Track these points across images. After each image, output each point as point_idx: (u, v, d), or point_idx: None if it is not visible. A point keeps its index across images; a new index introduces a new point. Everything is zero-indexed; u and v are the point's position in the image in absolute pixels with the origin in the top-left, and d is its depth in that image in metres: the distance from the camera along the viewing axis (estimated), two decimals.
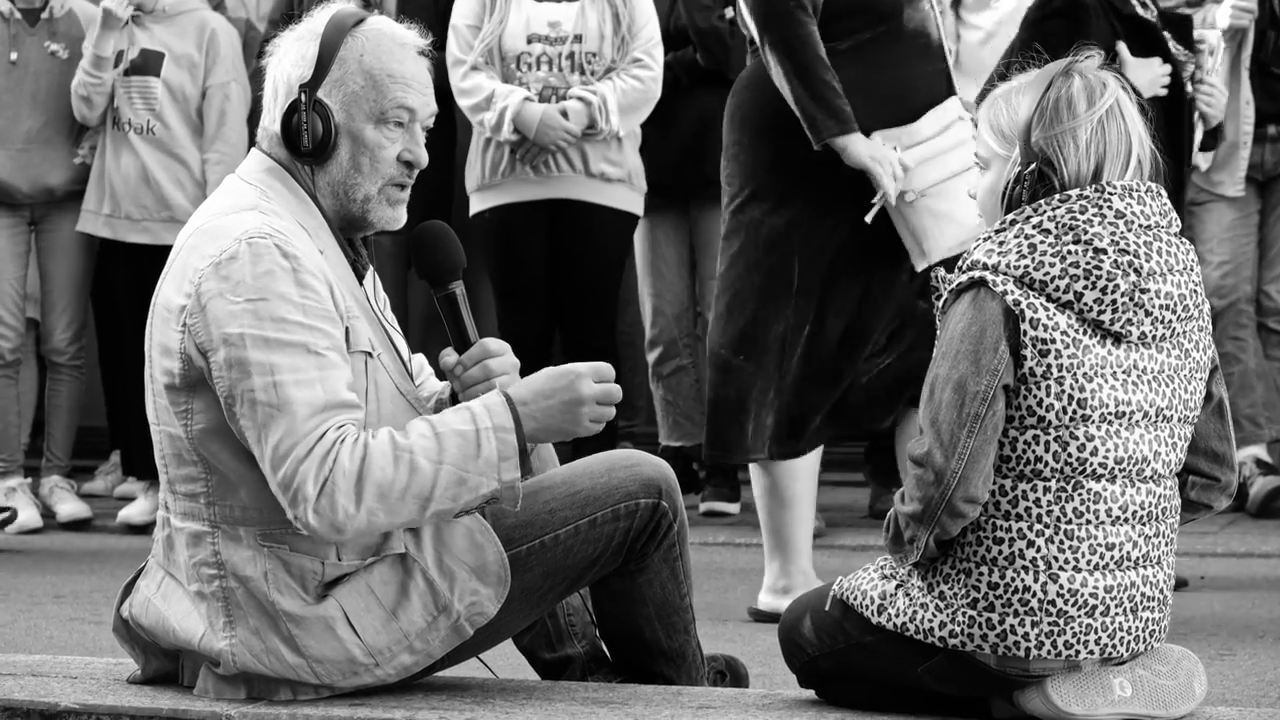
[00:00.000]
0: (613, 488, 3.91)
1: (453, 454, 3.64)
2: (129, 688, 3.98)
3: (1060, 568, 3.55)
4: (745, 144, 5.79)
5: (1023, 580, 3.55)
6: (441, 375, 4.01)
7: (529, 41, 7.20)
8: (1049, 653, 3.56)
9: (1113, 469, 3.57)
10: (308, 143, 3.79)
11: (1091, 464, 3.55)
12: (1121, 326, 3.55)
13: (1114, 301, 3.53)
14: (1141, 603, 3.62)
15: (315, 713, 3.75)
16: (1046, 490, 3.56)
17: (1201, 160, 7.51)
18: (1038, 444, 3.55)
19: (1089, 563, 3.56)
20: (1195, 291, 3.62)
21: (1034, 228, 3.56)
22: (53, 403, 8.10)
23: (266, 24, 7.99)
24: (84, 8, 7.95)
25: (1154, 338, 3.59)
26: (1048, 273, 3.53)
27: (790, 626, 3.86)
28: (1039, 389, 3.53)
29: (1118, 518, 3.58)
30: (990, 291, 3.54)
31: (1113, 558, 3.58)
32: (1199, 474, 3.74)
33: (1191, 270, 3.62)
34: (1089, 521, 3.56)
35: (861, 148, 5.60)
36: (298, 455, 3.59)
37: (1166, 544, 3.66)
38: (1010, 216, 3.60)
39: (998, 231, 3.60)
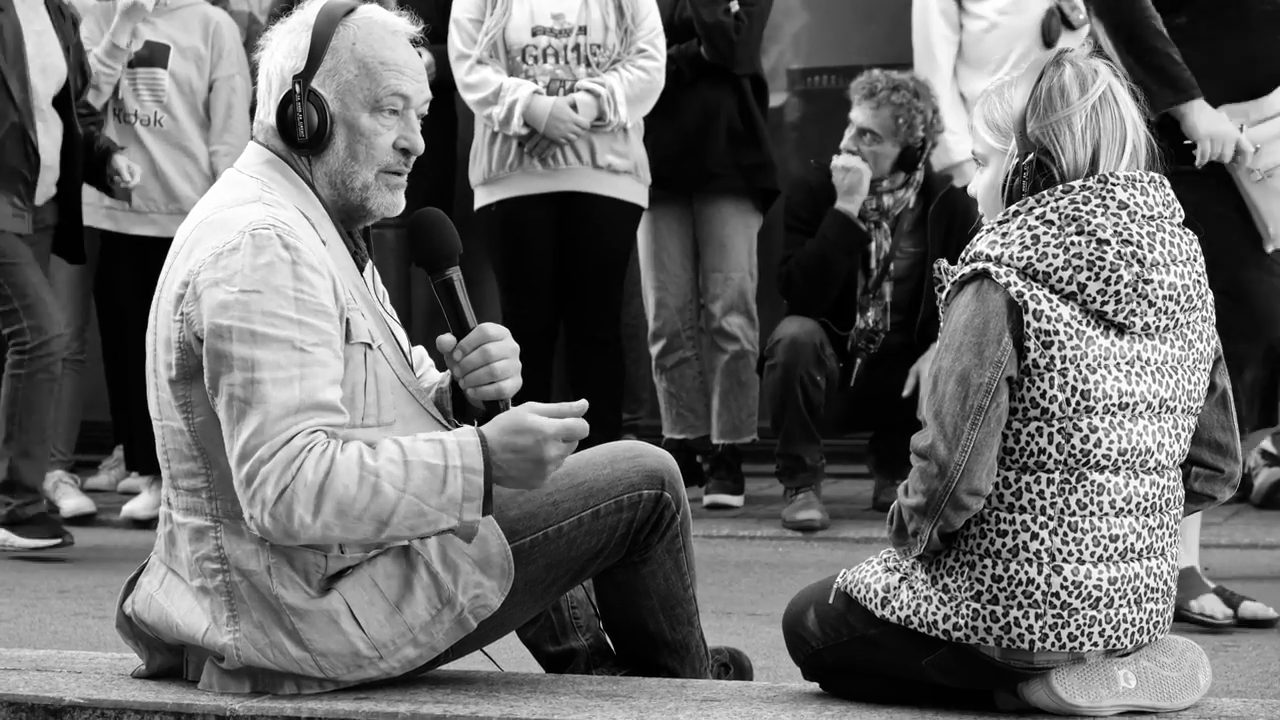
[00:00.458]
0: (616, 479, 3.91)
1: (417, 485, 3.61)
2: (133, 682, 3.98)
3: (1064, 560, 3.55)
4: None
5: (1026, 572, 3.55)
6: (441, 364, 4.01)
7: (534, 34, 7.20)
8: (1053, 645, 3.56)
9: (1116, 460, 3.56)
10: (304, 133, 3.79)
11: (1095, 455, 3.55)
12: (1125, 317, 3.55)
13: (1117, 292, 3.53)
14: (1145, 594, 3.61)
15: (320, 706, 3.75)
16: (1050, 482, 3.56)
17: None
18: (1041, 436, 3.55)
19: (1093, 554, 3.56)
20: (1199, 282, 3.62)
21: (1037, 219, 3.56)
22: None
23: (267, 17, 7.99)
24: (82, 1, 7.94)
25: (1157, 329, 3.58)
26: (1051, 264, 3.53)
27: (794, 619, 3.86)
28: (1042, 381, 3.53)
29: (1121, 509, 3.58)
30: (993, 283, 3.54)
31: (1116, 549, 3.57)
32: (1202, 465, 3.74)
33: (1195, 260, 3.62)
34: (1093, 513, 3.56)
35: (1202, 119, 5.31)
36: (262, 456, 3.58)
37: (1170, 535, 3.66)
38: (1013, 208, 3.60)
39: (1000, 223, 3.60)
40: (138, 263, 7.63)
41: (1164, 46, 5.32)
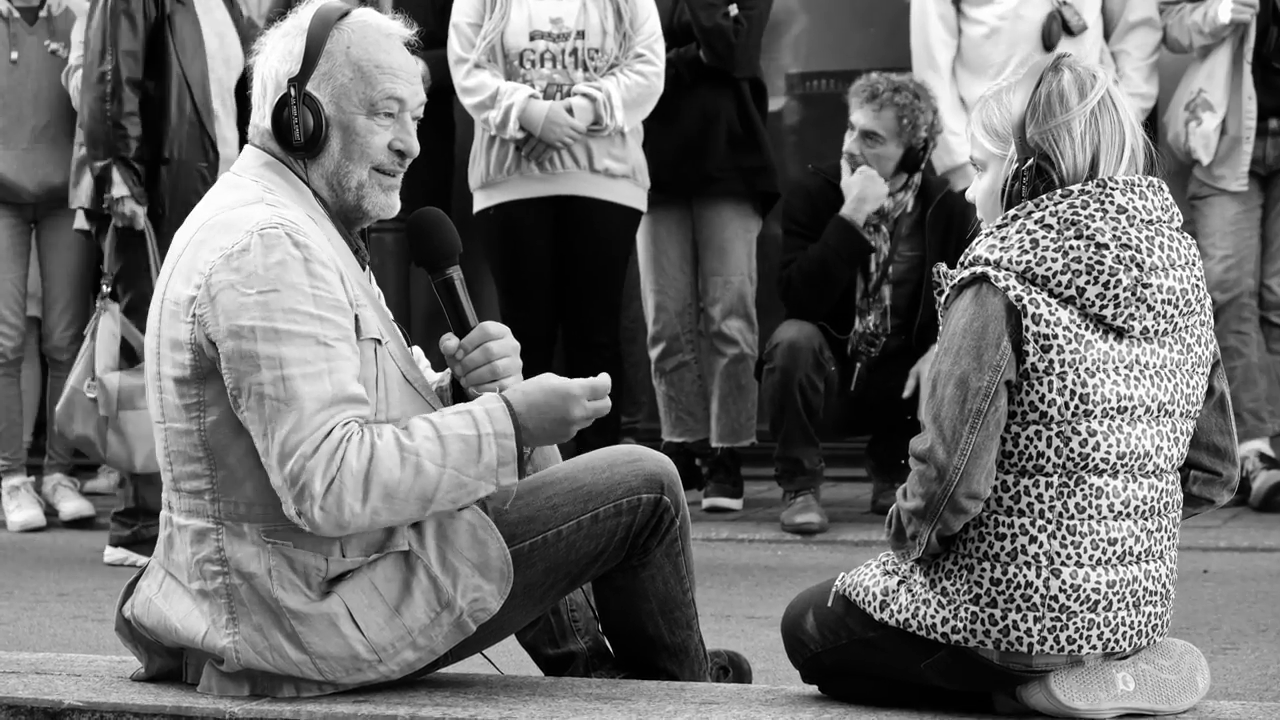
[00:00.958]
0: (615, 483, 3.92)
1: (455, 458, 3.67)
2: (133, 685, 3.98)
3: (1063, 563, 3.55)
4: None
5: (1025, 576, 3.55)
6: (441, 364, 4.02)
7: (532, 38, 7.20)
8: (1052, 648, 3.56)
9: (1115, 464, 3.57)
10: (299, 136, 3.80)
11: (1094, 459, 3.55)
12: (1124, 321, 3.55)
13: (1116, 296, 3.54)
14: (1144, 597, 3.62)
15: (318, 709, 3.75)
16: (1049, 486, 3.56)
17: (1203, 154, 7.51)
18: (1040, 439, 3.55)
19: (1091, 558, 3.56)
20: (1197, 286, 3.63)
21: (1036, 223, 3.56)
22: (54, 401, 8.09)
23: (265, 22, 7.99)
24: (79, 5, 7.95)
25: (1156, 333, 3.59)
26: (1050, 268, 3.53)
27: (793, 622, 3.87)
28: (1041, 384, 3.54)
29: (1120, 513, 3.58)
30: (992, 287, 3.54)
31: (1115, 553, 3.58)
32: (1201, 469, 3.75)
33: (1193, 265, 3.62)
34: (1091, 517, 3.56)
35: None
36: (305, 452, 3.60)
37: (1169, 538, 3.67)
38: (1012, 212, 3.60)
39: (1000, 227, 3.60)
40: None
41: None
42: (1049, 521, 3.56)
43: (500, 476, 3.70)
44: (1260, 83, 7.48)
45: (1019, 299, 3.52)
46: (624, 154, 7.30)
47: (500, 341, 3.90)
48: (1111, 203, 3.56)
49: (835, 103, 7.83)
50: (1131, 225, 3.56)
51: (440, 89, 7.32)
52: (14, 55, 7.78)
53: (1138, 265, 3.54)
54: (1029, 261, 3.54)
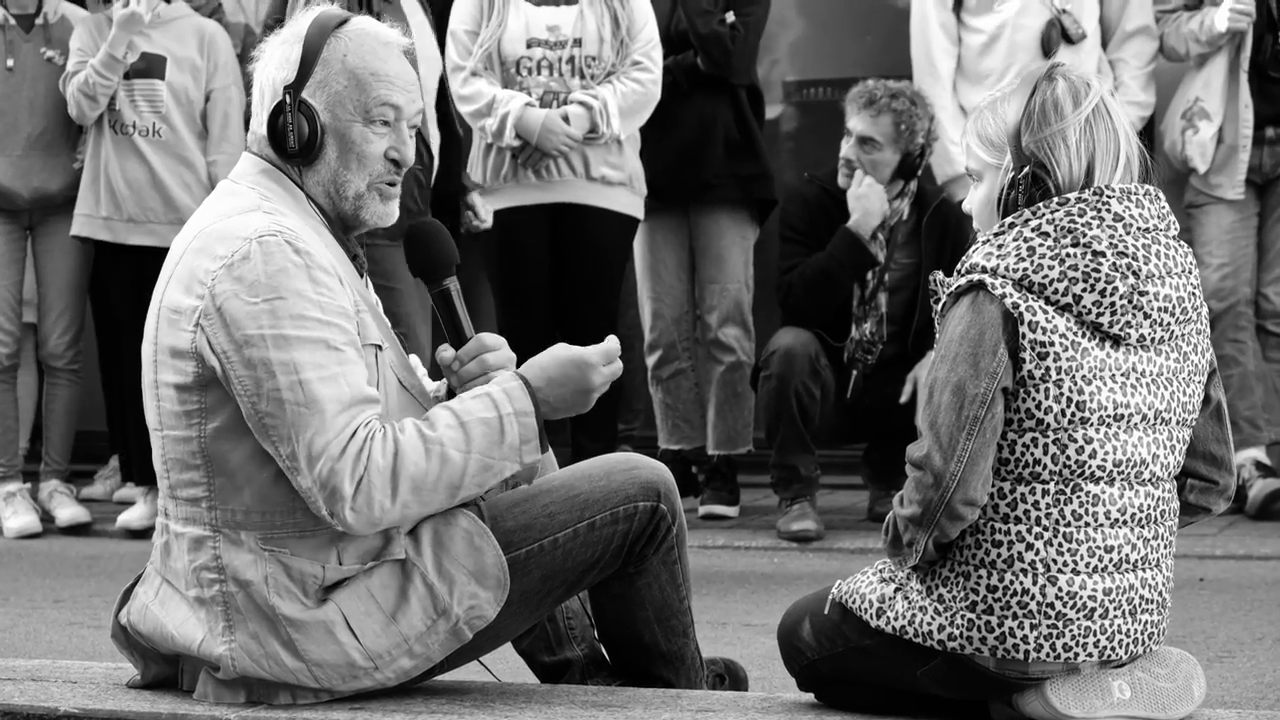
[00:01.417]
0: (611, 491, 3.92)
1: (479, 442, 3.70)
2: (128, 692, 3.98)
3: (1059, 570, 3.55)
4: None
5: (1021, 583, 3.55)
6: (437, 373, 4.03)
7: (529, 46, 7.20)
8: (1048, 655, 3.56)
9: (1111, 471, 3.57)
10: (294, 144, 3.81)
11: (1090, 466, 3.56)
12: (1120, 329, 3.55)
13: (1113, 304, 3.54)
14: (1140, 605, 3.62)
15: (314, 716, 3.75)
16: (1045, 493, 3.56)
17: (1200, 162, 7.52)
18: (1036, 446, 3.56)
19: (1088, 565, 3.56)
20: (1194, 294, 3.63)
21: (1033, 230, 3.57)
22: (50, 407, 8.10)
23: (261, 28, 8.00)
24: (75, 13, 7.97)
25: (1153, 340, 3.59)
26: (1046, 275, 3.54)
27: (789, 630, 3.87)
28: (1038, 391, 3.54)
29: (1116, 520, 3.58)
30: (989, 294, 3.54)
31: (1111, 560, 3.58)
32: (1197, 477, 3.75)
33: (1190, 273, 3.63)
34: (1088, 524, 3.56)
35: None
36: (332, 454, 3.61)
37: (1165, 546, 3.67)
38: (1009, 220, 3.60)
39: (996, 235, 3.61)
40: (135, 273, 7.65)
41: None
42: (1045, 529, 3.56)
43: (524, 454, 3.74)
44: (1257, 91, 7.49)
45: (1016, 306, 3.53)
46: (621, 161, 7.30)
47: (496, 353, 3.90)
48: (1108, 210, 3.56)
49: (832, 110, 7.83)
50: (1128, 233, 3.56)
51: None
52: (10, 62, 7.79)
53: (1134, 273, 3.54)
54: (1026, 269, 3.54)
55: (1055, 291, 3.53)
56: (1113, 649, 3.60)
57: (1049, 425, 3.54)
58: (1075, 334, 3.54)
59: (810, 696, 3.90)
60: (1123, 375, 3.57)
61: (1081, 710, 3.60)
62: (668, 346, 7.91)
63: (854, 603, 3.72)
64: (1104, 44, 7.65)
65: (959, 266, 3.63)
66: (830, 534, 7.40)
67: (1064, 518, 3.56)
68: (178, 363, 3.74)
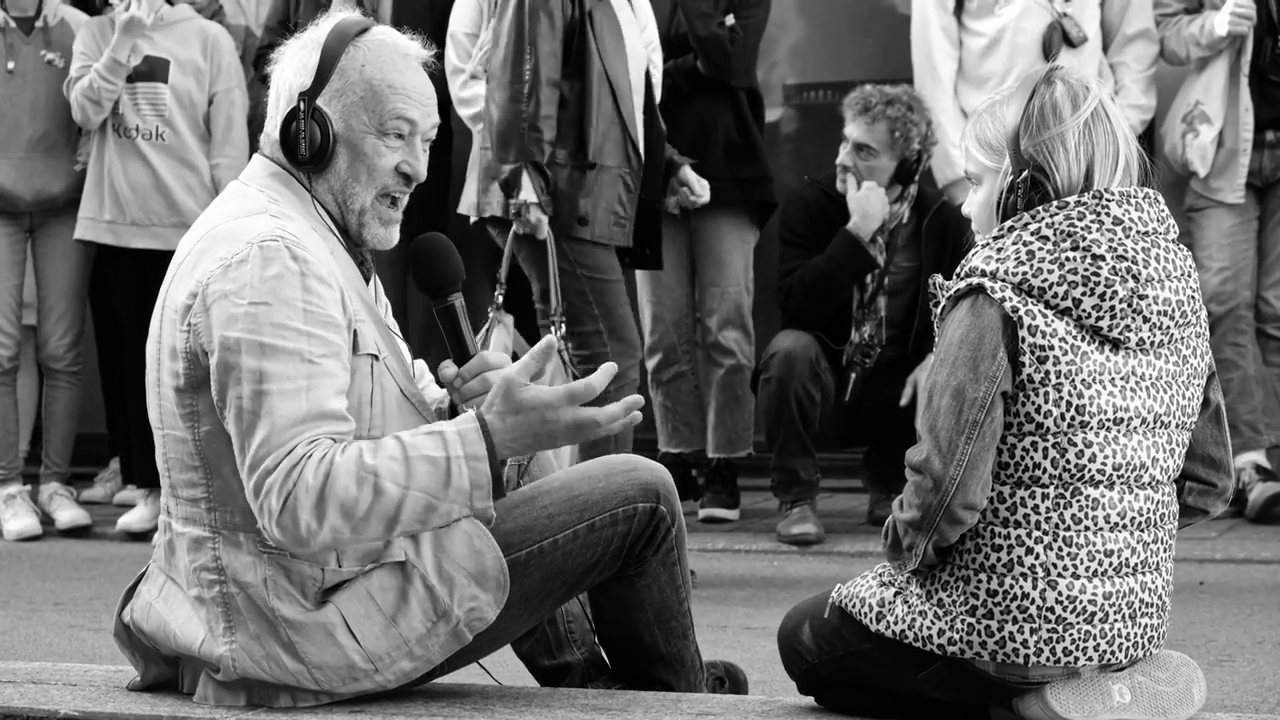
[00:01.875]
0: (611, 492, 3.91)
1: (421, 480, 3.61)
2: (128, 695, 3.98)
3: (1059, 574, 3.55)
4: None
5: (1021, 587, 3.55)
6: (440, 383, 4.02)
7: None
8: (1048, 660, 3.56)
9: (1111, 475, 3.57)
10: (305, 151, 3.80)
11: (1090, 470, 3.55)
12: (1120, 333, 3.55)
13: (1112, 308, 3.54)
14: (1140, 609, 3.62)
15: (314, 719, 3.75)
16: (1045, 497, 3.56)
17: (1200, 166, 7.52)
18: (1036, 450, 3.55)
19: (1088, 569, 3.56)
20: (1193, 298, 3.63)
21: (1032, 234, 3.57)
22: (50, 410, 8.10)
23: (263, 30, 8.00)
24: (75, 16, 7.97)
25: (1152, 344, 3.59)
26: (1046, 279, 3.54)
27: (789, 633, 3.87)
28: (1037, 395, 3.54)
29: (1116, 524, 3.58)
30: (988, 298, 3.54)
31: (1111, 564, 3.58)
32: (1196, 480, 3.75)
33: (1189, 276, 3.63)
34: (1087, 528, 3.56)
35: None
36: (267, 466, 3.59)
37: (1165, 550, 3.67)
38: (1008, 224, 3.60)
39: (996, 239, 3.60)
40: (137, 276, 7.65)
41: None
42: (1045, 533, 3.56)
43: (474, 500, 3.64)
44: (1257, 95, 7.49)
45: (1015, 310, 3.53)
46: None
47: (499, 371, 3.87)
48: (1108, 214, 3.56)
49: (832, 113, 7.83)
50: (1128, 237, 3.56)
51: (440, 102, 7.30)
52: (10, 65, 7.79)
53: (1134, 277, 3.54)
54: (1025, 273, 3.54)
55: (1055, 295, 3.53)
56: (1113, 653, 3.60)
57: (1049, 429, 3.54)
58: (1075, 338, 3.54)
59: (810, 700, 3.90)
60: (1122, 379, 3.57)
61: (1081, 714, 3.60)
62: (668, 350, 7.91)
63: (854, 606, 3.72)
64: (1105, 47, 7.65)
65: (958, 270, 3.63)
66: (830, 537, 7.40)
67: (1064, 522, 3.56)
68: (173, 364, 3.74)
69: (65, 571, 7.08)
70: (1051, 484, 3.56)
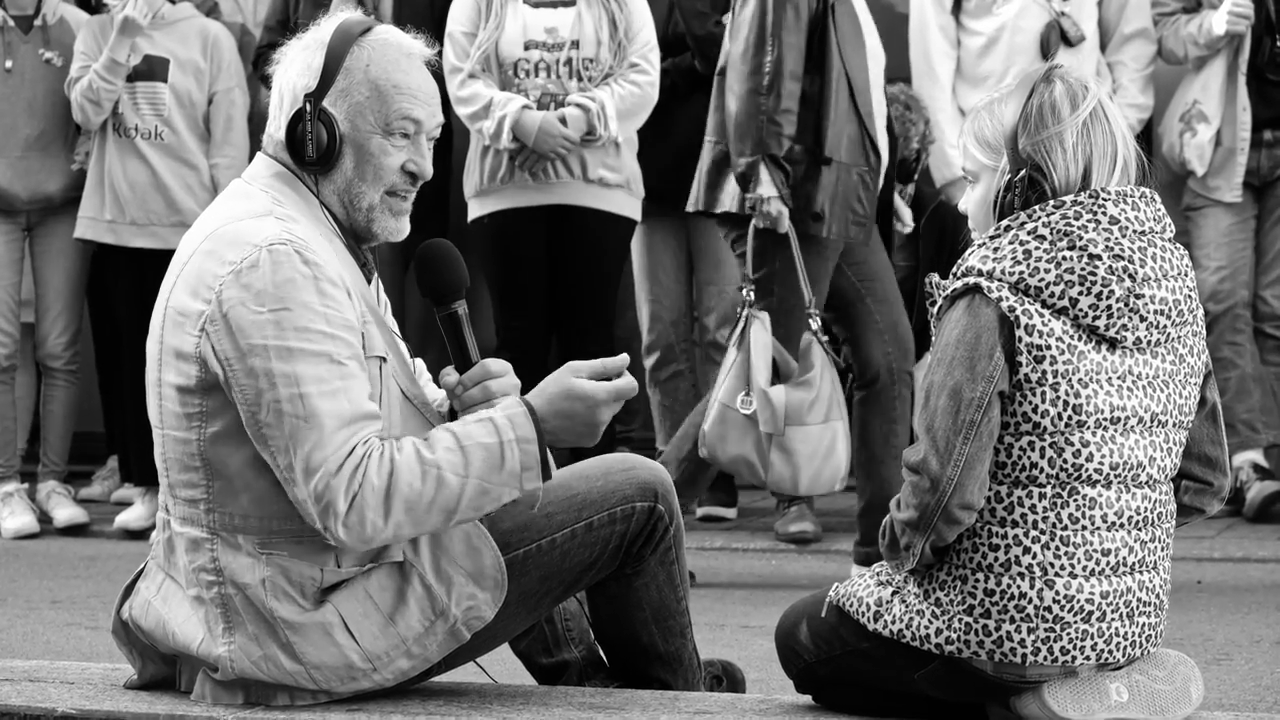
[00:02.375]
0: (609, 491, 3.91)
1: (478, 467, 3.66)
2: (126, 693, 3.98)
3: (1056, 574, 3.55)
4: None
5: (1019, 586, 3.55)
6: (439, 384, 4.01)
7: (526, 48, 7.19)
8: (1045, 659, 3.56)
9: (1108, 475, 3.57)
10: (312, 152, 3.79)
11: (1087, 470, 3.56)
12: (1116, 332, 3.55)
13: (1109, 307, 3.54)
14: (1138, 608, 3.62)
15: (312, 718, 3.75)
16: (1042, 496, 3.56)
17: (1198, 165, 7.52)
18: (1033, 450, 3.56)
19: (1085, 568, 3.56)
20: (1190, 297, 3.63)
21: (1029, 234, 3.57)
22: (48, 408, 8.10)
23: (263, 29, 8.00)
24: (74, 14, 7.96)
25: (1149, 343, 3.59)
26: (1043, 279, 3.54)
27: (787, 632, 3.87)
28: (1034, 395, 3.54)
29: (1113, 523, 3.58)
30: (985, 298, 3.54)
31: (1109, 563, 3.58)
32: (1192, 479, 3.75)
33: (1186, 275, 3.63)
34: (1085, 527, 3.56)
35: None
36: (329, 469, 3.60)
37: (1163, 549, 3.67)
38: (1005, 223, 3.60)
39: (992, 238, 3.60)
40: (135, 275, 7.65)
41: None
42: (1042, 532, 3.56)
43: (524, 482, 3.69)
44: (1255, 94, 7.49)
45: (1012, 310, 3.53)
46: (619, 164, 7.29)
47: (500, 380, 3.87)
48: (1104, 213, 3.56)
49: None
50: (1124, 236, 3.56)
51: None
52: (8, 64, 7.79)
53: (1130, 276, 3.54)
54: (1022, 272, 3.54)
55: (1051, 295, 3.53)
56: (1110, 652, 3.60)
57: (1046, 429, 3.54)
58: (1071, 337, 3.54)
59: (808, 699, 3.90)
60: (1119, 378, 3.57)
61: (1079, 713, 3.60)
62: (665, 348, 7.91)
63: (851, 606, 3.72)
64: (1102, 46, 7.65)
65: (955, 269, 3.63)
66: (828, 536, 7.40)
67: (1061, 521, 3.56)
68: (181, 365, 3.73)
69: (63, 570, 7.08)
70: (1049, 483, 3.56)
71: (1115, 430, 3.57)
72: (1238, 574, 6.71)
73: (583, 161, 7.21)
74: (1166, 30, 7.60)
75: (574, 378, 3.76)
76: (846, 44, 6.51)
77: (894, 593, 3.67)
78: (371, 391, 3.70)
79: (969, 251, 3.63)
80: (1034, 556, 3.55)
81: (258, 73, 7.89)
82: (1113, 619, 3.59)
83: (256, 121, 7.76)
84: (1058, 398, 3.53)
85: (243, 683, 3.78)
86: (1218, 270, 7.53)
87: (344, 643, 3.74)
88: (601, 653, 4.15)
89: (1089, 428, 3.55)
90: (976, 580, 3.58)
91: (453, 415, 3.96)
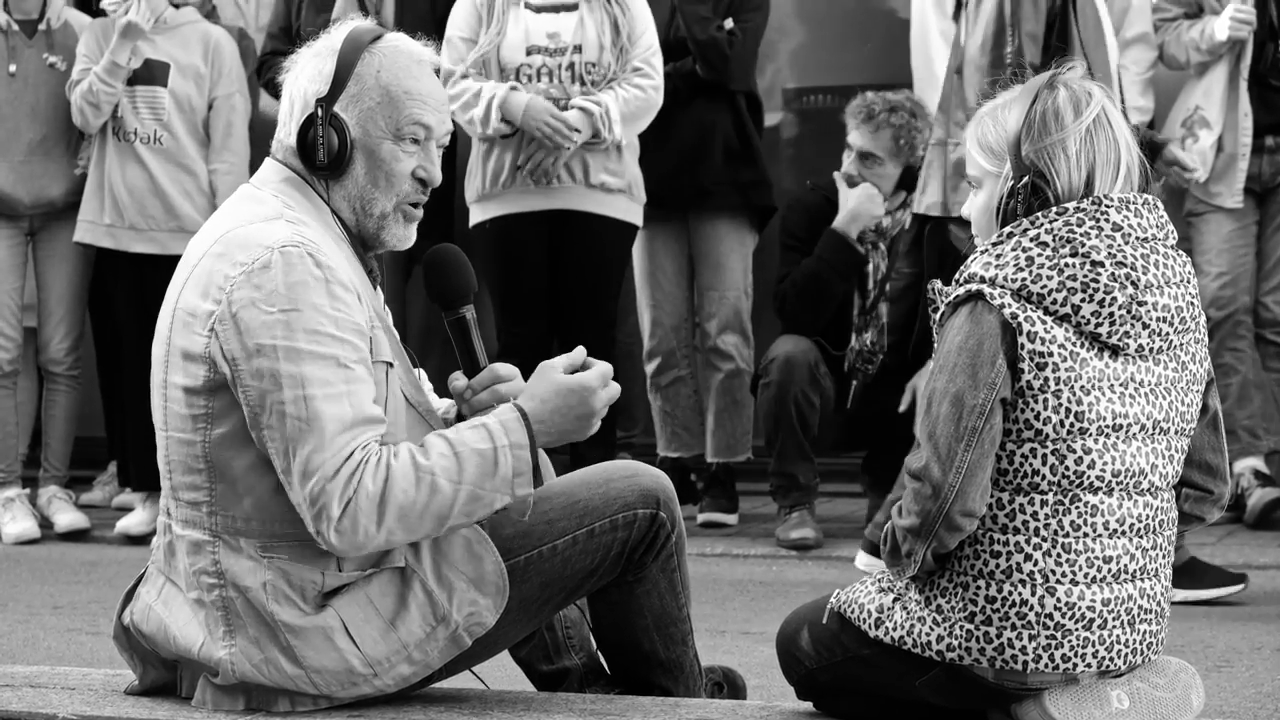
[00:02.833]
0: (611, 498, 3.92)
1: (471, 473, 3.67)
2: (127, 699, 3.98)
3: (1058, 581, 3.55)
4: None
5: (1020, 594, 3.55)
6: (446, 395, 4.02)
7: (528, 53, 7.19)
8: (1046, 666, 3.56)
9: (1110, 482, 3.57)
10: (323, 157, 3.80)
11: (1089, 477, 3.55)
12: (1119, 339, 3.55)
13: (1111, 314, 3.54)
14: (1139, 615, 3.62)
15: None
16: (1044, 504, 3.56)
17: (1200, 171, 7.52)
18: (1035, 457, 3.56)
19: (1086, 576, 3.56)
20: (1192, 304, 3.63)
21: (1031, 240, 3.57)
22: (50, 413, 8.10)
23: (265, 36, 8.00)
24: (78, 18, 7.97)
25: (1151, 350, 3.59)
26: (1045, 285, 3.54)
27: (788, 639, 3.87)
28: (1036, 402, 3.54)
29: (1115, 531, 3.58)
30: (988, 304, 3.54)
31: (1110, 571, 3.58)
32: (1192, 486, 3.75)
33: (1188, 282, 3.63)
34: (1086, 535, 3.56)
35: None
36: (325, 473, 3.60)
37: (1164, 556, 3.67)
38: (1007, 230, 3.60)
39: (995, 245, 3.60)
40: (135, 279, 7.65)
41: None
42: (1044, 539, 3.56)
43: (516, 487, 3.69)
44: (1257, 100, 7.49)
45: (1014, 316, 3.53)
46: (620, 168, 7.30)
47: (509, 384, 3.89)
48: (1107, 220, 3.56)
49: (831, 117, 7.84)
50: (1127, 243, 3.56)
51: None
52: (12, 68, 7.79)
53: (1133, 283, 3.54)
54: (1024, 279, 3.54)
55: (1054, 301, 3.53)
56: (1111, 659, 3.60)
57: (1048, 436, 3.54)
58: (1074, 344, 3.54)
59: (809, 705, 3.90)
60: (1121, 385, 3.57)
61: None
62: (667, 354, 7.91)
63: (852, 612, 3.72)
64: None
65: (957, 276, 3.63)
66: (829, 542, 7.39)
67: (1063, 528, 3.56)
68: (189, 366, 3.74)
69: (64, 575, 7.08)
70: (1050, 490, 3.56)
71: (1117, 438, 3.57)
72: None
73: (584, 166, 7.22)
74: (1168, 36, 7.61)
75: (559, 374, 3.78)
76: (1088, 38, 6.37)
77: (895, 599, 3.67)
78: (376, 396, 3.71)
79: (971, 258, 3.63)
80: (1035, 564, 3.55)
81: (260, 79, 7.89)
82: (1114, 626, 3.59)
83: (257, 128, 7.76)
84: (1060, 405, 3.53)
85: (243, 688, 3.79)
86: (1219, 276, 7.53)
87: (345, 647, 3.74)
88: (602, 660, 4.15)
89: (1091, 435, 3.55)
90: (978, 587, 3.58)
91: (459, 421, 3.96)
